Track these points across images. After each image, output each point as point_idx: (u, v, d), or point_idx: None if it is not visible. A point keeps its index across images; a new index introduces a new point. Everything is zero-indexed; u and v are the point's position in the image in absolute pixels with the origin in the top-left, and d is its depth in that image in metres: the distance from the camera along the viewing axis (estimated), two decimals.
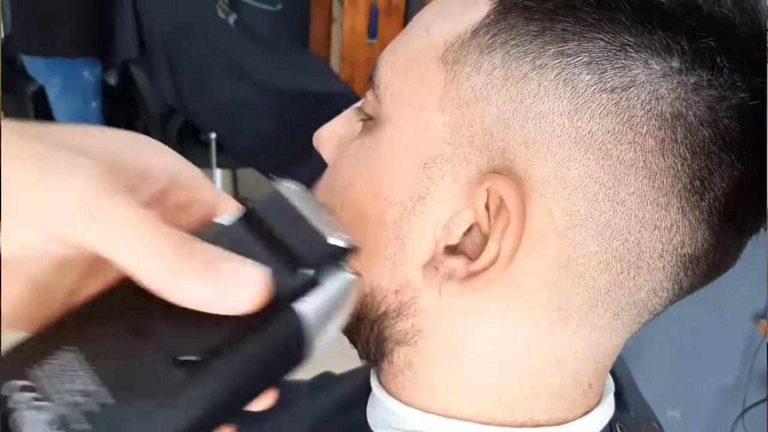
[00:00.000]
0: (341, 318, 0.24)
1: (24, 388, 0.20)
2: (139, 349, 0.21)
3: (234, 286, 0.21)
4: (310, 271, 0.23)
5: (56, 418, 0.19)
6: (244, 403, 0.23)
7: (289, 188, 0.25)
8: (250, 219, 0.24)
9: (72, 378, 0.20)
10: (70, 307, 0.23)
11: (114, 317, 0.22)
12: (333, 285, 0.23)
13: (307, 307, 0.23)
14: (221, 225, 0.24)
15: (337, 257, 0.24)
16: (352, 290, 0.24)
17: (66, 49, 2.10)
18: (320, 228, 0.24)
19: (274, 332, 0.22)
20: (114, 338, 0.22)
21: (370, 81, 0.34)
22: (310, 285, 0.23)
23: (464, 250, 0.31)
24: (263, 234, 0.24)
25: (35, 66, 2.17)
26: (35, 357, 0.20)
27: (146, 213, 0.21)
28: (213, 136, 2.16)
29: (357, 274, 0.24)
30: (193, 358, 0.20)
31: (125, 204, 0.20)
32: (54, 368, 0.20)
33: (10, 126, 0.21)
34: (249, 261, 0.22)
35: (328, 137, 0.38)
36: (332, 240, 0.23)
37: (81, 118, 2.23)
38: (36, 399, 0.19)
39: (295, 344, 0.23)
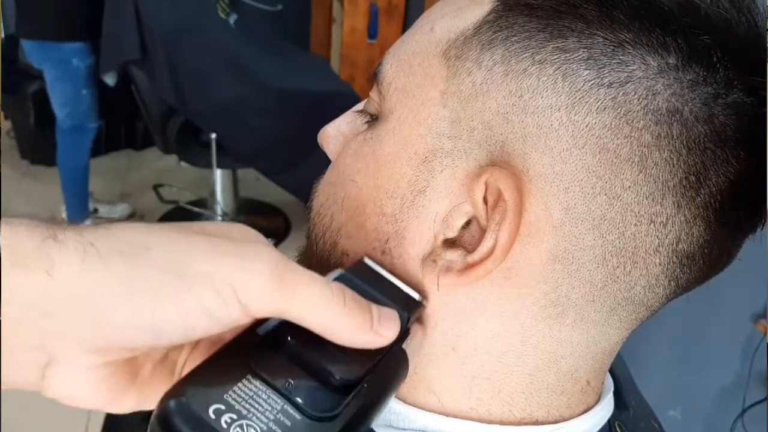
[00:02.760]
0: (414, 357, 0.31)
1: (226, 411, 0.24)
2: (302, 373, 0.27)
3: (384, 328, 0.28)
4: (407, 320, 0.30)
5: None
6: (370, 421, 0.28)
7: (370, 260, 0.32)
8: (350, 278, 0.31)
9: (260, 400, 0.25)
10: (224, 345, 0.27)
11: (272, 349, 0.27)
12: (416, 333, 0.32)
13: (407, 345, 0.30)
14: (335, 278, 0.30)
15: (415, 310, 0.31)
16: (421, 336, 0.32)
17: (54, 33, 2.12)
18: (405, 288, 0.32)
19: (395, 362, 0.29)
20: (280, 365, 0.27)
21: (374, 78, 0.35)
22: (406, 332, 0.30)
23: (463, 244, 0.31)
24: (368, 290, 0.30)
25: (30, 50, 2.20)
26: (222, 384, 0.25)
27: (317, 276, 0.27)
28: (213, 136, 2.16)
29: (421, 325, 0.32)
30: (350, 380, 0.27)
31: (303, 272, 0.26)
32: (241, 393, 0.25)
33: (191, 230, 0.26)
34: (386, 308, 0.29)
35: (333, 135, 0.39)
36: (416, 297, 0.32)
37: (72, 103, 2.26)
38: (240, 418, 0.24)
39: (403, 373, 0.30)
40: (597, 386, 0.36)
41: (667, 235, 0.30)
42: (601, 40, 0.28)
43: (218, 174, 2.45)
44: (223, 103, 2.09)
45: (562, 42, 0.29)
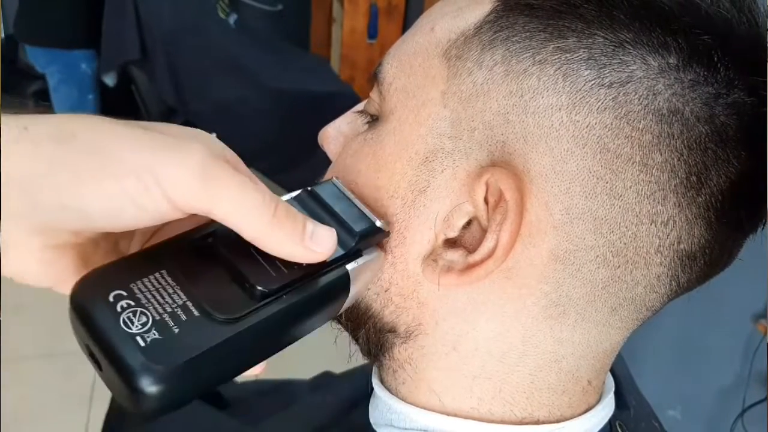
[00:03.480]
0: (364, 284, 0.31)
1: (126, 297, 0.25)
2: (220, 275, 0.27)
3: (315, 243, 0.28)
4: (358, 242, 0.30)
5: (153, 322, 0.25)
6: (289, 340, 0.29)
7: (339, 181, 0.32)
8: (311, 196, 0.31)
9: (164, 294, 0.26)
10: (163, 240, 0.29)
11: (200, 249, 0.28)
12: (369, 256, 0.31)
13: (353, 268, 0.30)
14: (292, 197, 0.31)
15: (375, 236, 0.31)
16: (379, 263, 0.32)
17: (63, 41, 2.11)
18: (367, 212, 0.31)
19: (329, 282, 0.29)
20: (199, 264, 0.27)
21: (374, 78, 0.35)
22: (357, 253, 0.30)
23: (463, 244, 0.31)
24: (324, 208, 0.31)
25: (36, 54, 2.19)
26: (134, 274, 0.26)
27: (249, 181, 0.26)
28: (213, 136, 2.15)
29: (383, 252, 0.32)
30: (265, 290, 0.27)
31: (232, 173, 0.26)
32: (149, 285, 0.26)
33: (121, 123, 0.26)
34: (325, 226, 0.29)
35: (334, 135, 0.39)
36: (378, 223, 0.31)
37: (78, 108, 2.25)
38: (136, 306, 0.25)
39: (339, 296, 0.30)
40: (598, 386, 0.36)
41: (668, 235, 0.30)
42: (602, 40, 0.28)
43: None
44: (223, 104, 2.08)
45: (563, 42, 0.29)
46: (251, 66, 2.11)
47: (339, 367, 0.58)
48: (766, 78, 0.28)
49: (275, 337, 0.28)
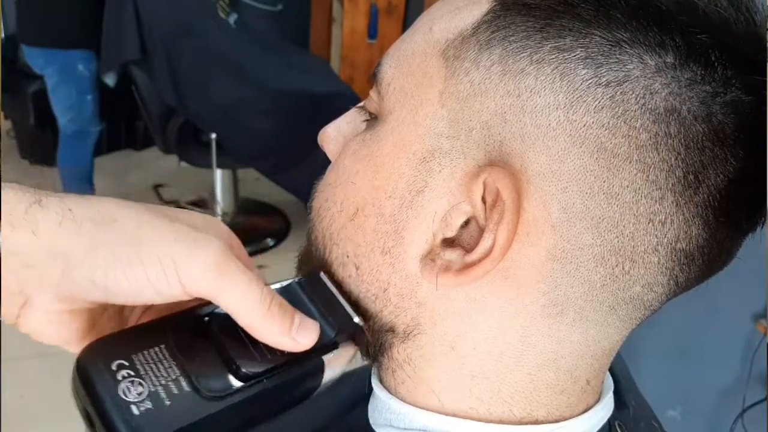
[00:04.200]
0: (336, 373, 0.34)
1: (127, 367, 0.28)
2: (211, 355, 0.30)
3: (300, 335, 0.31)
4: (334, 336, 0.33)
5: (148, 393, 0.27)
6: (266, 417, 0.31)
7: (325, 276, 0.35)
8: (299, 287, 0.35)
9: (161, 367, 0.29)
10: (164, 316, 0.32)
11: (197, 329, 0.31)
12: (345, 349, 0.34)
13: (329, 358, 0.33)
14: (282, 285, 0.34)
15: (351, 330, 0.34)
16: (351, 355, 0.35)
17: (62, 42, 2.11)
18: (347, 309, 0.34)
19: (306, 370, 0.32)
20: (194, 343, 0.30)
21: (373, 78, 0.35)
22: (334, 345, 0.33)
23: (461, 243, 0.31)
24: (309, 299, 0.34)
25: (33, 56, 2.19)
26: (136, 346, 0.29)
27: (253, 276, 0.30)
28: (213, 136, 2.16)
29: (355, 346, 0.35)
30: (249, 373, 0.30)
31: (241, 271, 0.30)
32: (148, 357, 0.29)
33: (153, 211, 0.31)
34: (311, 320, 0.32)
35: (333, 135, 0.39)
36: (355, 319, 0.34)
37: (76, 109, 2.25)
38: (135, 376, 0.28)
39: (313, 383, 0.33)
40: (597, 386, 0.36)
41: (665, 234, 0.30)
42: (599, 39, 0.28)
43: (218, 174, 2.45)
44: (223, 104, 2.08)
45: (560, 41, 0.29)
46: (251, 66, 2.11)
47: None
48: (764, 76, 0.28)
49: (254, 414, 0.31)
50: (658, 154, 0.28)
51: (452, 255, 0.31)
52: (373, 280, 0.34)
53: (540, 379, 0.33)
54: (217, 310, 0.32)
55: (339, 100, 2.05)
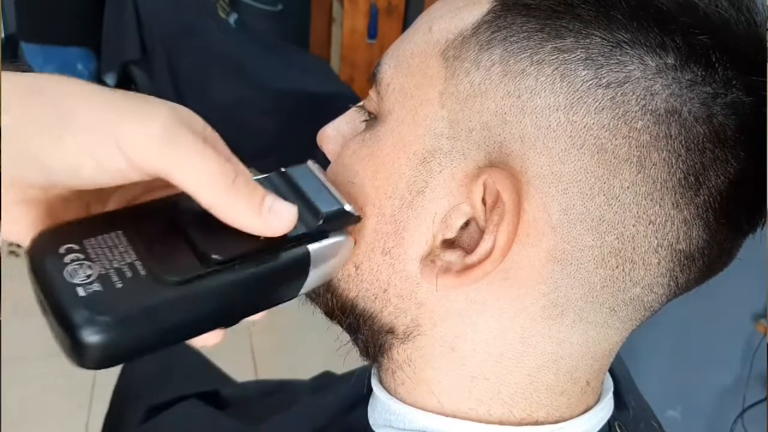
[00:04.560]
0: (330, 268, 0.31)
1: (76, 251, 0.26)
2: (176, 241, 0.27)
3: (273, 216, 0.27)
4: (323, 223, 0.30)
5: (98, 276, 0.25)
6: (240, 312, 0.29)
7: (315, 165, 0.32)
8: (282, 177, 0.31)
9: (115, 252, 0.26)
10: (128, 204, 0.30)
11: (161, 215, 0.29)
12: (336, 239, 0.31)
13: (315, 248, 0.29)
14: (262, 177, 0.31)
15: (344, 221, 0.31)
16: (347, 248, 0.31)
17: (61, 38, 2.11)
18: (337, 196, 0.31)
19: (287, 259, 0.29)
20: (157, 229, 0.28)
21: (373, 78, 0.35)
22: (322, 234, 0.30)
23: (461, 244, 0.31)
24: (293, 188, 0.31)
25: (32, 54, 2.19)
26: (90, 231, 0.27)
27: (210, 149, 0.26)
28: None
29: (353, 238, 0.32)
30: (218, 257, 0.27)
31: (194, 139, 0.26)
32: (102, 242, 0.27)
33: (92, 85, 0.27)
34: (286, 201, 0.28)
35: (333, 135, 0.39)
36: (347, 207, 0.31)
37: None
38: (84, 259, 0.26)
39: (298, 274, 0.29)
40: (597, 386, 0.36)
41: (666, 236, 0.30)
42: (599, 40, 0.28)
43: None
44: (223, 104, 2.08)
45: (560, 42, 0.29)
46: (251, 66, 2.11)
47: (339, 368, 0.58)
48: (764, 77, 0.28)
49: (223, 304, 0.27)
50: (659, 155, 0.28)
51: (452, 256, 0.31)
52: (373, 280, 0.34)
53: (540, 380, 0.33)
54: (183, 198, 0.27)
55: (339, 100, 2.05)
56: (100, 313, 0.24)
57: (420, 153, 0.32)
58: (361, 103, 0.37)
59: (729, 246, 0.32)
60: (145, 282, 0.26)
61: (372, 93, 0.35)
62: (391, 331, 0.34)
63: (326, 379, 0.69)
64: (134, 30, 2.02)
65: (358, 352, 0.37)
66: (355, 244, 0.32)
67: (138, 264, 0.26)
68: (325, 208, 0.30)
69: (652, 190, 0.29)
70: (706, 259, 0.31)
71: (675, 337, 1.35)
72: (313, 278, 0.30)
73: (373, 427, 0.37)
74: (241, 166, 0.27)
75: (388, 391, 0.37)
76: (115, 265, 0.26)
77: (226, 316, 0.28)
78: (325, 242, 0.30)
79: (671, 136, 0.28)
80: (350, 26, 2.62)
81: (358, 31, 2.63)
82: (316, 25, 3.05)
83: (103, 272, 0.25)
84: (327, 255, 0.30)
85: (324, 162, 0.39)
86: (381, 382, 0.38)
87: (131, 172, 0.26)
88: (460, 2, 0.33)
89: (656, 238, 0.30)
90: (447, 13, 0.33)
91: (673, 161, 0.28)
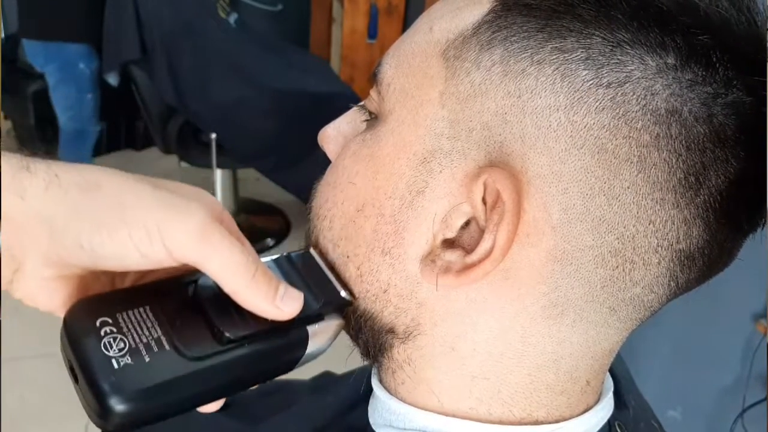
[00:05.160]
0: (322, 345, 0.34)
1: (110, 324, 0.29)
2: (195, 319, 0.31)
3: (284, 303, 0.31)
4: (321, 307, 0.33)
5: (129, 349, 0.28)
6: (246, 385, 0.32)
7: (315, 252, 0.36)
8: (287, 260, 0.35)
9: (143, 327, 0.29)
10: (142, 276, 0.33)
11: (183, 293, 0.32)
12: (330, 322, 0.34)
13: (314, 329, 0.33)
14: (272, 259, 0.35)
15: (337, 304, 0.34)
16: (338, 328, 0.35)
17: (62, 34, 2.11)
18: (334, 282, 0.35)
19: (289, 339, 0.32)
20: (179, 306, 0.31)
21: (373, 78, 0.35)
22: (320, 317, 0.34)
23: (462, 244, 0.31)
24: (298, 273, 0.34)
25: (34, 52, 2.19)
26: (122, 306, 0.30)
27: (237, 243, 0.30)
28: (213, 136, 2.16)
29: (344, 321, 0.35)
30: (230, 336, 0.30)
31: (223, 235, 0.30)
32: (132, 317, 0.30)
33: (138, 179, 0.30)
34: (295, 289, 0.32)
35: (334, 135, 0.39)
36: (342, 293, 0.34)
37: (76, 107, 2.25)
38: (117, 333, 0.29)
39: (297, 352, 0.33)
40: (597, 386, 0.36)
41: (666, 235, 0.30)
42: (600, 40, 0.28)
43: (218, 174, 2.44)
44: (223, 104, 2.08)
45: (561, 42, 0.29)
46: (251, 66, 2.10)
47: (339, 368, 0.58)
48: (765, 77, 0.28)
49: (234, 378, 0.31)
50: (659, 155, 0.28)
51: (452, 256, 0.31)
52: (373, 280, 0.34)
53: (540, 379, 0.33)
54: (204, 278, 0.32)
55: (339, 100, 2.05)
56: (131, 385, 0.27)
57: (420, 153, 0.32)
58: (361, 103, 0.37)
59: (729, 246, 0.32)
60: (169, 357, 0.29)
61: (373, 93, 0.35)
62: (391, 330, 0.34)
63: (326, 379, 0.69)
64: (134, 30, 2.02)
65: (359, 351, 0.37)
66: (344, 319, 0.35)
67: (163, 339, 0.29)
68: (324, 295, 0.34)
69: (653, 190, 0.29)
70: (707, 259, 0.31)
71: (675, 337, 1.35)
72: (308, 353, 0.33)
73: (374, 427, 0.37)
74: (255, 255, 0.31)
75: (389, 391, 0.37)
76: (144, 340, 0.29)
77: (234, 387, 0.32)
78: (321, 324, 0.34)
79: (671, 135, 0.28)
80: (350, 26, 2.62)
81: (358, 31, 2.63)
82: (316, 25, 3.05)
83: (133, 346, 0.29)
84: (321, 334, 0.34)
85: (325, 162, 0.39)
86: (381, 381, 0.38)
87: (168, 261, 0.29)
88: (461, 2, 0.33)
89: (656, 238, 0.30)
90: (448, 13, 0.33)
91: (674, 161, 0.28)
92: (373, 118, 0.35)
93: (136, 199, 0.29)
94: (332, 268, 0.35)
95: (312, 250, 0.36)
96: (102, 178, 0.30)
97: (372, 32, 2.62)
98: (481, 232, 0.30)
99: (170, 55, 2.03)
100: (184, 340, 0.30)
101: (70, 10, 2.11)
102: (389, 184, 0.33)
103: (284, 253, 0.36)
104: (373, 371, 0.40)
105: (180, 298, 0.32)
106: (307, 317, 0.32)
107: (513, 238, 0.29)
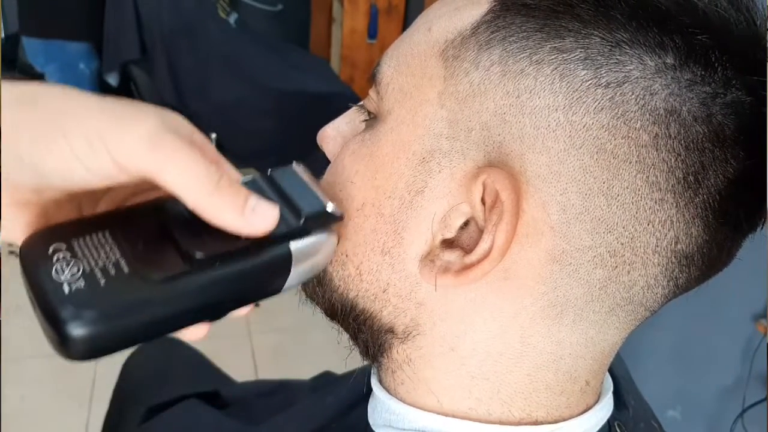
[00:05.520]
0: (313, 265, 0.31)
1: (64, 249, 0.27)
2: (161, 241, 0.28)
3: (256, 216, 0.28)
4: (305, 222, 0.30)
5: (82, 273, 0.26)
6: (224, 308, 0.30)
7: (300, 167, 0.33)
8: (267, 179, 0.32)
9: (101, 251, 0.27)
10: (117, 206, 0.31)
11: (148, 217, 0.30)
12: (318, 238, 0.31)
13: (297, 246, 0.30)
14: (248, 179, 0.31)
15: (326, 220, 0.31)
16: (329, 246, 0.32)
17: (63, 32, 2.11)
18: (320, 196, 0.31)
19: (269, 257, 0.29)
20: (143, 230, 0.29)
21: (372, 78, 0.35)
22: (304, 232, 0.30)
23: (461, 244, 0.31)
24: (277, 190, 0.31)
25: (35, 52, 2.19)
26: (78, 232, 0.28)
27: (196, 151, 0.27)
28: (213, 136, 2.16)
29: (337, 236, 0.32)
30: (200, 256, 0.27)
31: (180, 143, 0.26)
32: (89, 242, 0.28)
33: (84, 93, 0.28)
34: (268, 201, 0.29)
35: (333, 135, 0.39)
36: (328, 207, 0.31)
37: None
38: (71, 257, 0.27)
39: (280, 271, 0.30)
40: (596, 386, 0.36)
41: (665, 236, 0.30)
42: (598, 40, 0.28)
43: None
44: (223, 103, 2.08)
45: (560, 42, 0.29)
46: (251, 66, 2.10)
47: (339, 368, 0.58)
48: (764, 77, 0.28)
49: (205, 302, 0.28)
50: (658, 155, 0.28)
51: (451, 256, 0.31)
52: (372, 280, 0.34)
53: (539, 379, 0.33)
54: (170, 200, 0.28)
55: (339, 100, 2.05)
56: (83, 309, 0.26)
57: (419, 153, 0.32)
58: (361, 103, 0.37)
59: (729, 246, 0.32)
60: (128, 279, 0.27)
61: (372, 93, 0.35)
62: (390, 330, 0.34)
63: (326, 379, 0.69)
64: (134, 30, 2.02)
65: (359, 351, 0.37)
66: (339, 240, 0.33)
67: (122, 262, 0.27)
68: (308, 208, 0.31)
69: (652, 190, 0.29)
70: (706, 259, 0.31)
71: (675, 337, 1.35)
72: (296, 275, 0.31)
73: (373, 427, 0.37)
74: (226, 168, 0.28)
75: (388, 391, 0.37)
76: (100, 264, 0.27)
77: (209, 312, 0.29)
78: (306, 240, 0.30)
79: (670, 135, 0.28)
80: (350, 26, 2.62)
81: (358, 31, 2.63)
82: (316, 25, 3.05)
83: (87, 270, 0.27)
84: (309, 253, 0.31)
85: (324, 162, 0.39)
86: (381, 381, 0.38)
87: (120, 175, 0.26)
88: (460, 2, 0.33)
89: (656, 238, 0.30)
90: (446, 13, 0.33)
91: (673, 161, 0.28)
92: (372, 118, 0.35)
93: (78, 107, 0.27)
94: (325, 183, 0.33)
95: (295, 164, 0.33)
96: (42, 90, 0.28)
97: (372, 32, 2.62)
98: (480, 232, 0.30)
99: (170, 54, 2.03)
100: (146, 262, 0.27)
101: (70, 9, 2.11)
102: (389, 184, 0.33)
103: (263, 173, 0.33)
104: (373, 371, 0.40)
105: (146, 222, 0.29)
106: (288, 233, 0.30)
107: (512, 238, 0.29)
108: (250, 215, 0.28)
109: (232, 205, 0.27)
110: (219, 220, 0.27)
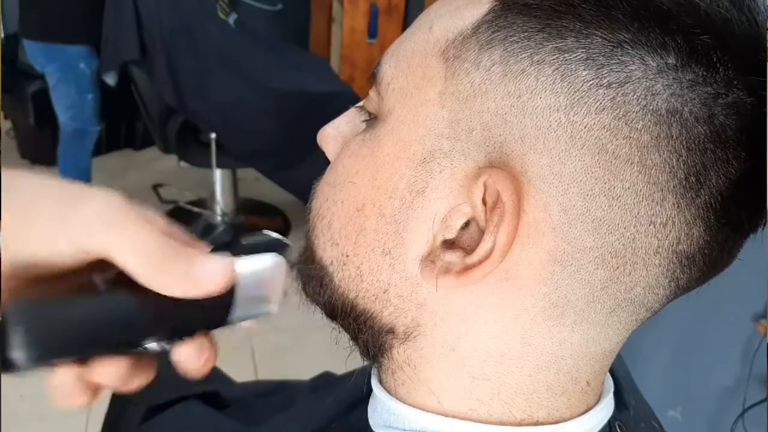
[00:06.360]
0: (259, 292, 0.31)
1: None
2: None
3: (203, 281, 0.29)
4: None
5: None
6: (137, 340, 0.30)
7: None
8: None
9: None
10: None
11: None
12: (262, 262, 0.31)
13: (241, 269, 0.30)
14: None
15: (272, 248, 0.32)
16: (274, 271, 0.32)
17: (63, 35, 2.11)
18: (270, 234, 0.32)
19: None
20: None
21: (372, 78, 0.35)
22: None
23: (462, 245, 0.31)
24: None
25: (35, 53, 2.19)
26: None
27: (146, 226, 0.28)
28: (213, 136, 2.16)
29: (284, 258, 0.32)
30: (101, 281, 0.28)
31: (135, 220, 0.28)
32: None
33: (24, 173, 0.29)
34: (220, 257, 0.30)
35: (333, 135, 0.39)
36: (266, 233, 0.32)
37: (77, 108, 2.25)
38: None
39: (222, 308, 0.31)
40: (597, 386, 0.36)
41: (666, 236, 0.30)
42: (600, 40, 0.28)
43: (218, 174, 2.44)
44: (222, 104, 2.08)
45: (561, 42, 0.29)
46: (251, 66, 2.10)
47: (339, 368, 0.58)
48: (765, 78, 0.28)
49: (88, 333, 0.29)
50: (660, 155, 0.28)
51: (452, 256, 0.31)
52: (373, 280, 0.34)
53: (540, 380, 0.33)
54: None
55: (339, 100, 2.05)
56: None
57: (420, 153, 0.32)
58: (361, 103, 0.37)
59: (730, 246, 0.32)
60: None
61: (372, 93, 0.35)
62: (391, 331, 0.34)
63: (326, 379, 0.69)
64: (134, 30, 2.02)
65: (359, 352, 0.37)
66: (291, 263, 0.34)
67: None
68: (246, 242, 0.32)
69: (653, 191, 0.29)
70: (707, 259, 0.31)
71: (675, 337, 1.35)
72: (244, 298, 0.31)
73: (373, 428, 0.37)
74: (177, 234, 0.29)
75: (388, 392, 0.37)
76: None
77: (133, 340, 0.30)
78: (247, 262, 0.31)
79: (672, 136, 0.28)
80: (350, 26, 2.62)
81: (358, 31, 2.63)
82: (316, 25, 3.05)
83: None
84: (254, 279, 0.31)
85: (324, 162, 0.39)
86: (381, 382, 0.38)
87: (80, 255, 0.27)
88: (461, 2, 0.32)
89: (657, 238, 0.30)
90: (447, 13, 0.33)
91: (674, 162, 0.28)
92: (373, 118, 0.35)
93: (42, 192, 0.28)
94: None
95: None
96: (19, 179, 0.29)
97: (372, 32, 2.62)
98: (481, 232, 0.30)
99: (170, 55, 2.03)
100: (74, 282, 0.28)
101: (70, 12, 2.11)
102: (389, 184, 0.33)
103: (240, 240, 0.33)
104: (373, 371, 0.40)
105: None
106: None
107: (513, 239, 0.29)
108: (199, 282, 0.29)
109: (180, 280, 0.28)
110: (169, 294, 0.28)
